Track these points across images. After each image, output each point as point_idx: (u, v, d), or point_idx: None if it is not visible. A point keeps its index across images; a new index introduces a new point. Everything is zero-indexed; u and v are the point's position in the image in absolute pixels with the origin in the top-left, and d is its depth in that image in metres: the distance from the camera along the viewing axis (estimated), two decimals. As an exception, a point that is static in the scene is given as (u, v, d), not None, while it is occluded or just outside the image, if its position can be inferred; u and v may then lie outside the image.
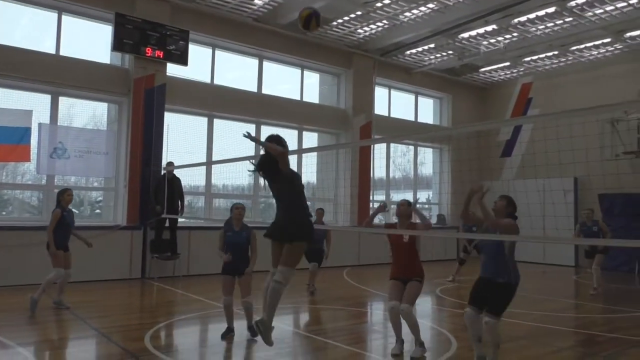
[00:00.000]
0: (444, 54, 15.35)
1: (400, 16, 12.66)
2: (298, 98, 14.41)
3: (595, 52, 14.74)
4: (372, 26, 13.37)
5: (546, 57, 15.28)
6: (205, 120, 12.70)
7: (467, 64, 16.39)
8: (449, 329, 6.81)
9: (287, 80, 14.36)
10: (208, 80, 12.70)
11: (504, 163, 17.27)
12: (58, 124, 10.72)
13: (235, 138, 12.90)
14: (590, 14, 12.01)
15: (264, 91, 13.66)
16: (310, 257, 9.22)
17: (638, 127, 13.22)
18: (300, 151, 14.15)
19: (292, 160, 14.96)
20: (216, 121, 12.82)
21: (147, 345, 5.68)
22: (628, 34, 13.24)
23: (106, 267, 10.38)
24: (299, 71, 14.57)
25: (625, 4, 11.40)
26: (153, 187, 10.94)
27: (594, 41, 13.87)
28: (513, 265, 4.84)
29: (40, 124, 10.31)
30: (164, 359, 5.22)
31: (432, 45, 14.58)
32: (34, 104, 10.31)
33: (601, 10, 11.81)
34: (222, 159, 11.91)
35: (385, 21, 13.00)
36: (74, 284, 8.94)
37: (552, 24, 12.73)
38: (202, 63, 12.60)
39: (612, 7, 11.62)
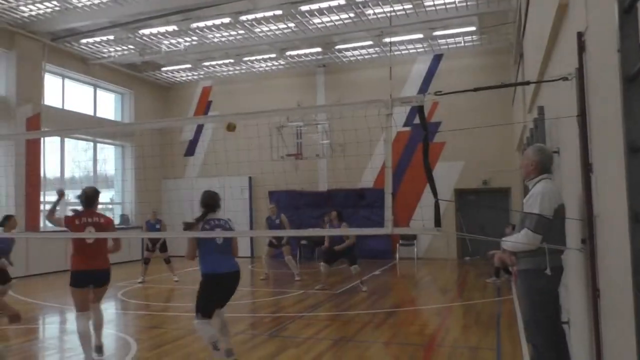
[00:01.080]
0: (124, 47, 14.84)
1: (74, 0, 11.64)
2: (-63, 79, 11.67)
3: (264, 65, 16.66)
4: (40, 5, 11.88)
5: (223, 64, 16.46)
6: None
7: (150, 62, 16.25)
8: (130, 333, 6.66)
9: None
10: None
11: (188, 162, 17.87)
12: None
13: None
14: (258, 30, 13.49)
15: None
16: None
17: (297, 133, 15.55)
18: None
19: None
20: None
21: None
22: (288, 53, 15.43)
23: None
24: (-62, 45, 11.81)
25: (285, 26, 13.24)
26: None
27: (262, 55, 15.66)
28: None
29: None
30: None
31: (111, 37, 13.89)
32: None
33: (267, 29, 13.42)
34: None
35: (55, 2, 11.72)
36: None
37: (227, 34, 13.79)
38: None
39: (275, 27, 13.33)
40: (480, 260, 13.93)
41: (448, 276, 12.13)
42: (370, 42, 14.58)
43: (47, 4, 11.79)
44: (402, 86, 15.46)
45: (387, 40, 14.19)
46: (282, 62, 16.42)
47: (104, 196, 16.77)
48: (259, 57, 15.87)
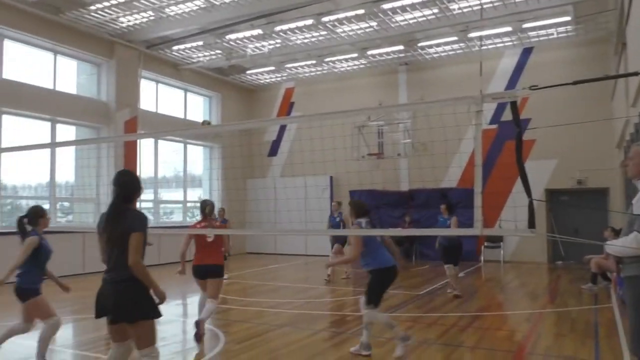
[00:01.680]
0: (212, 52, 15.49)
1: (167, 9, 12.33)
2: (51, 86, 12.81)
3: (345, 65, 16.71)
4: (137, 16, 12.71)
5: (305, 65, 16.70)
6: None
7: (235, 65, 16.84)
8: (218, 325, 6.92)
9: (36, 65, 12.62)
10: None
11: (271, 162, 18.34)
12: None
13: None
14: (340, 30, 13.54)
15: (6, 76, 11.75)
16: None
17: (378, 132, 15.41)
18: (53, 145, 12.63)
19: (45, 155, 13.30)
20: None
21: None
22: (370, 52, 15.36)
23: None
24: (51, 56, 12.96)
25: (366, 25, 13.19)
26: None
27: (344, 55, 15.71)
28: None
29: None
30: None
31: (200, 43, 14.57)
32: None
33: (349, 28, 13.44)
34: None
35: (150, 12, 12.49)
36: None
37: (309, 35, 13.97)
38: None
39: (357, 27, 13.32)
40: (575, 265, 13.07)
41: (538, 281, 11.48)
42: (454, 38, 14.17)
43: (143, 14, 12.59)
44: (488, 82, 14.88)
45: (474, 35, 13.71)
46: (364, 62, 16.38)
47: (192, 195, 17.66)
48: (340, 58, 15.94)
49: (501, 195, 13.36)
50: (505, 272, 13.04)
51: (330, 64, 16.54)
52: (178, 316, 7.88)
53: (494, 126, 13.88)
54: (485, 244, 14.65)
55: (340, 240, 11.11)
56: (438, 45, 14.85)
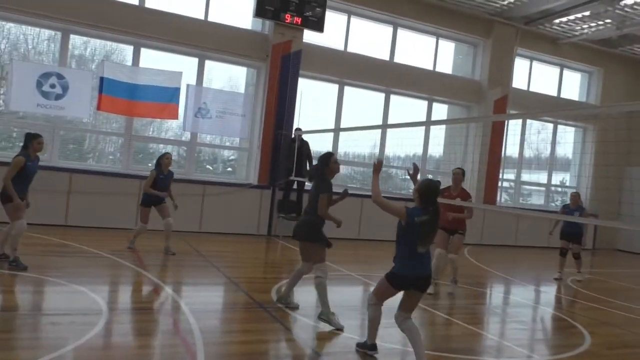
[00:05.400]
0: (600, 22, 13.78)
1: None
2: (430, 68, 13.94)
3: None
4: (518, -8, 12.41)
5: None
6: (336, 87, 12.83)
7: (627, 35, 14.55)
8: (582, 323, 6.31)
9: (420, 49, 13.92)
10: (342, 48, 12.73)
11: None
12: (203, 85, 11.51)
13: (363, 106, 13.04)
14: None
15: (396, 60, 13.40)
16: None
17: None
18: (428, 123, 13.78)
19: (420, 132, 14.59)
20: (347, 89, 12.90)
21: (273, 297, 6.04)
22: None
23: (237, 222, 11.23)
24: (433, 40, 14.04)
25: None
26: (285, 151, 11.45)
27: None
28: None
29: (188, 85, 11.08)
30: (288, 313, 5.49)
31: (586, 13, 13.15)
32: (182, 66, 11.08)
33: None
34: (348, 127, 12.08)
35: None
36: (210, 234, 9.88)
37: None
38: (336, 30, 12.64)
39: None
40: None
41: None
42: None
43: (524, -12, 12.18)
44: None
45: None
46: None
47: (556, 178, 16.48)
48: None
49: None
50: None
51: None
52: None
53: None
54: None
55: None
56: None
